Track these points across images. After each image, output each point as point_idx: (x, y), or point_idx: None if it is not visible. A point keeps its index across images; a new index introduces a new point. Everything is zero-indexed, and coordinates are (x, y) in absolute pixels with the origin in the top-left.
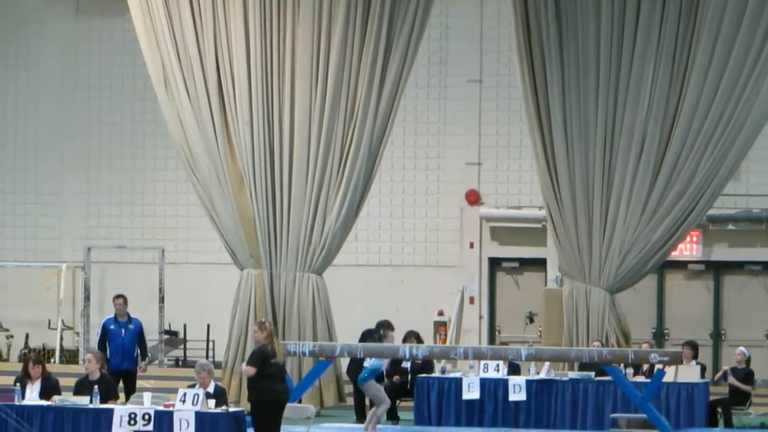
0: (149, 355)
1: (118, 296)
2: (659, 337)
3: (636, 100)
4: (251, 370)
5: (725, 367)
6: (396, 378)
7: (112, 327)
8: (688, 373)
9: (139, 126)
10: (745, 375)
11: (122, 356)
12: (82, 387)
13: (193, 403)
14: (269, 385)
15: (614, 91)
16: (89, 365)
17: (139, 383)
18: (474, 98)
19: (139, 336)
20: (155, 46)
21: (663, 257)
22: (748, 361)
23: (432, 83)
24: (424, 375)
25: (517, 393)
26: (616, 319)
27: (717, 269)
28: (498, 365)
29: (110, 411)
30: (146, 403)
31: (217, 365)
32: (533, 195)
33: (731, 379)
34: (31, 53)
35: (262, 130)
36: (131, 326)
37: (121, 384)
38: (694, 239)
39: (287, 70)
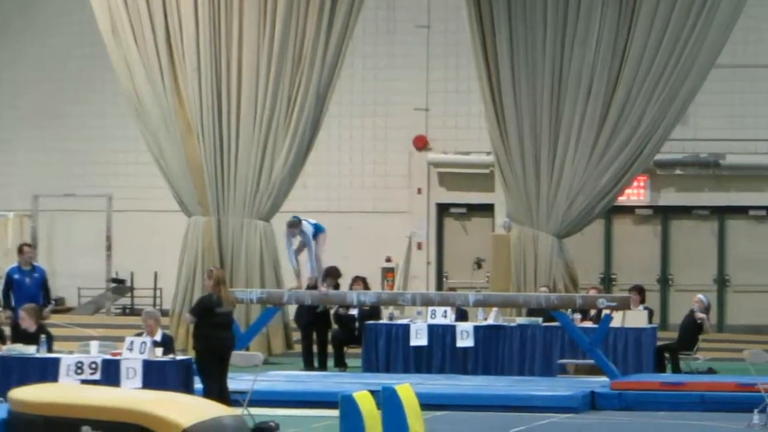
0: (52, 302)
1: (26, 244)
2: (607, 282)
3: (583, 43)
4: (190, 319)
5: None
6: (341, 310)
7: (16, 276)
8: (636, 318)
9: (88, 72)
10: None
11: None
12: (24, 340)
13: (140, 352)
14: (213, 333)
15: (561, 35)
16: (23, 322)
17: (86, 332)
18: (422, 43)
19: (42, 283)
20: None
21: (611, 202)
22: (707, 308)
23: (380, 28)
24: (372, 321)
25: (464, 339)
26: (564, 264)
27: (665, 214)
28: (446, 311)
29: (57, 360)
30: (93, 351)
31: (165, 313)
32: (481, 140)
33: (699, 315)
34: None
35: (210, 76)
36: (36, 274)
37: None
38: (642, 184)
39: (235, 16)
